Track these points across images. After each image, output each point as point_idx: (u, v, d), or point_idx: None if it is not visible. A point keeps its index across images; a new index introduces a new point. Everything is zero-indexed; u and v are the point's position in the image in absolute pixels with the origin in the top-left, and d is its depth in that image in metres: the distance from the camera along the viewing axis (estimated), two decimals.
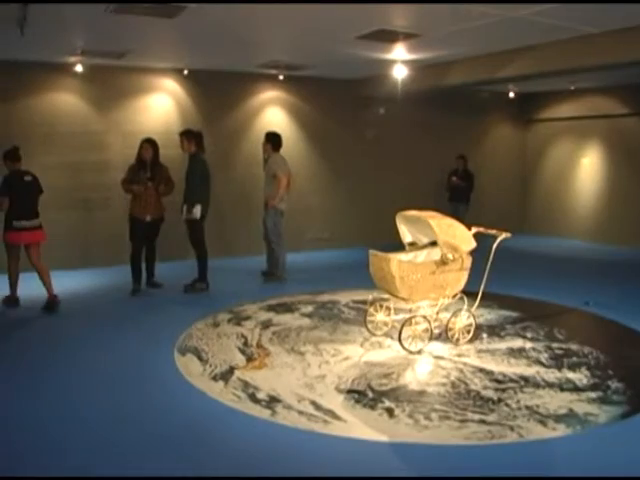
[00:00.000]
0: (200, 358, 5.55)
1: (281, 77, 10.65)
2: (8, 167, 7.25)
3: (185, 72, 10.10)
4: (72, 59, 8.96)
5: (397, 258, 5.64)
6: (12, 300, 7.41)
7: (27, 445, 3.92)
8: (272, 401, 4.53)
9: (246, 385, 4.86)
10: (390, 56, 8.66)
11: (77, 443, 3.95)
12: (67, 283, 8.64)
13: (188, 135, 7.99)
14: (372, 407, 4.42)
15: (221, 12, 6.37)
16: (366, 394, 4.66)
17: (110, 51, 8.59)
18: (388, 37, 7.46)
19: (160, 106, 10.30)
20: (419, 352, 5.59)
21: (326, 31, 7.30)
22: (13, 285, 7.42)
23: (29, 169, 7.48)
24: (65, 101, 9.73)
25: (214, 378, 5.05)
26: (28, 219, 7.21)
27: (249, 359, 5.50)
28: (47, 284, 7.33)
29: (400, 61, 8.90)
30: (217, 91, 10.49)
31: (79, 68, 9.20)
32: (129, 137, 9.59)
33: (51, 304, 7.23)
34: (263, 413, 4.33)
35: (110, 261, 9.60)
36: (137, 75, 10.02)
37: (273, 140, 8.62)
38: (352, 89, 11.42)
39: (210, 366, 5.33)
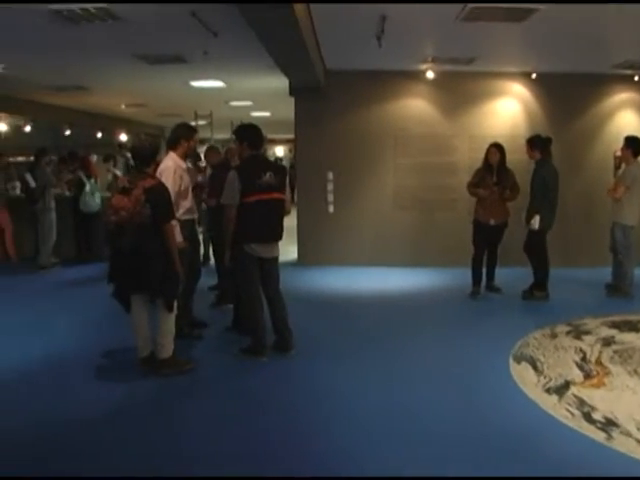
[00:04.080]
0: (535, 368, 5.48)
1: (636, 78, 9.92)
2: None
3: (533, 76, 9.99)
4: (424, 66, 9.48)
5: None
6: None
7: (348, 434, 4.28)
8: (608, 424, 4.30)
9: (581, 403, 4.68)
10: None
11: (401, 436, 4.19)
12: (406, 280, 9.20)
13: (531, 142, 7.88)
14: None
15: (574, 12, 6.21)
16: None
17: (459, 57, 8.94)
18: None
19: (507, 110, 10.37)
20: None
21: None
22: None
23: None
24: (416, 106, 10.37)
25: (548, 391, 4.96)
26: None
27: (587, 376, 5.28)
28: None
29: None
30: (566, 94, 10.18)
31: (430, 74, 9.63)
32: (475, 140, 9.82)
33: None
34: (597, 435, 4.14)
35: (448, 262, 9.88)
36: (484, 80, 10.22)
37: (633, 145, 8.00)
38: None
39: (545, 378, 5.24)
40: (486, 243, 8.11)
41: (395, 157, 10.38)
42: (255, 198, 5.45)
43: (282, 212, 5.77)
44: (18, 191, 11.05)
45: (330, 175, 10.35)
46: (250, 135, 5.75)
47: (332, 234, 10.35)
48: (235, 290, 6.21)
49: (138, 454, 3.91)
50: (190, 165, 7.81)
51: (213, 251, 7.65)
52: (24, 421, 4.39)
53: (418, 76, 9.90)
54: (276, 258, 5.85)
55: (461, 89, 10.26)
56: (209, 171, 8.35)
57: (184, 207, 5.91)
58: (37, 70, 9.71)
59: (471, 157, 9.35)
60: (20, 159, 14.91)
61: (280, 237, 5.78)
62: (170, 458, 3.87)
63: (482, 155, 8.10)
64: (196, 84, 11.32)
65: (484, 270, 8.24)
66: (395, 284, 9.03)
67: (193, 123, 9.99)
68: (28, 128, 15.41)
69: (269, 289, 5.80)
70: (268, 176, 5.53)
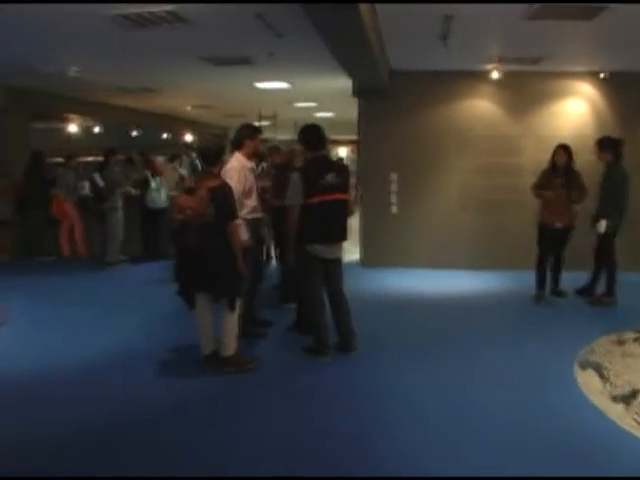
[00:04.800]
0: (601, 375, 5.33)
1: None
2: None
3: (602, 75, 9.76)
4: (489, 66, 9.35)
5: None
6: None
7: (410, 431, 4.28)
8: None
9: None
10: None
11: (465, 438, 4.17)
12: (469, 283, 9.09)
13: (601, 144, 7.69)
14: None
15: None
16: None
17: (525, 57, 8.78)
18: None
19: (574, 110, 10.13)
20: None
21: None
22: None
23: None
24: (481, 106, 10.24)
25: (614, 399, 4.82)
26: None
27: None
28: None
29: None
30: (637, 94, 9.87)
31: (495, 75, 9.50)
32: (542, 141, 9.61)
33: None
34: None
35: (512, 265, 9.67)
36: (551, 80, 10.00)
37: None
38: None
39: (611, 385, 5.09)
40: (552, 246, 7.93)
41: (460, 158, 10.26)
42: (318, 199, 5.46)
43: (346, 212, 5.76)
44: (87, 191, 11.35)
45: (394, 176, 10.31)
46: (309, 136, 5.75)
47: (396, 235, 10.30)
48: (298, 290, 6.24)
49: (196, 453, 3.97)
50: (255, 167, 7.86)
51: (276, 251, 7.71)
52: (89, 417, 4.52)
53: (484, 76, 9.75)
54: (339, 259, 5.84)
55: (528, 89, 10.07)
56: (272, 171, 8.39)
57: (249, 206, 5.98)
58: (107, 73, 9.98)
59: (538, 158, 9.13)
60: (90, 159, 15.36)
61: (344, 238, 5.78)
62: (228, 457, 3.93)
63: (549, 156, 7.91)
64: (261, 85, 11.44)
65: (549, 274, 8.06)
66: (459, 286, 8.93)
67: (257, 124, 10.09)
68: (97, 129, 15.86)
69: (332, 290, 5.81)
70: (331, 177, 5.53)
